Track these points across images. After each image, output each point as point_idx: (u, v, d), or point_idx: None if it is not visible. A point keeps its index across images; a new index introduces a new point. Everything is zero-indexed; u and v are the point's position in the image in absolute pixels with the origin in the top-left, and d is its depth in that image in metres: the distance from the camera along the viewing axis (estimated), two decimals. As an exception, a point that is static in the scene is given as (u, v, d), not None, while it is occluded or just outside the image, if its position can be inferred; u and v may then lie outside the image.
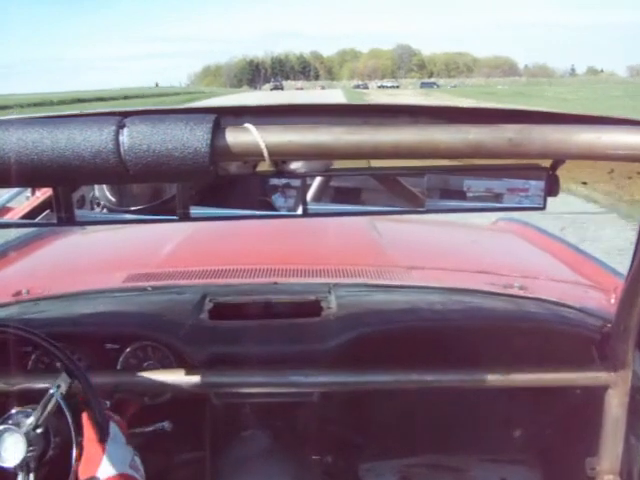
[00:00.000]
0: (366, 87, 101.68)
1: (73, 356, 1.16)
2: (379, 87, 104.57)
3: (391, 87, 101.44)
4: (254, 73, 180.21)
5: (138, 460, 1.12)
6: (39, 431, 1.15)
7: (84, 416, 1.08)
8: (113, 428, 1.09)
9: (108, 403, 1.15)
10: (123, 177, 0.69)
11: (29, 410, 1.20)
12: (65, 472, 1.13)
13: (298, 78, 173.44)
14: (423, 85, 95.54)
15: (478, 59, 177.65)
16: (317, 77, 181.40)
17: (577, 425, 1.53)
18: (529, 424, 1.65)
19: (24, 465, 1.13)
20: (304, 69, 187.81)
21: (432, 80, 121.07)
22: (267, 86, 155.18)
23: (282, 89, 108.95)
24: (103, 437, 1.06)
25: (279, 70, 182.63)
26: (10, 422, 1.15)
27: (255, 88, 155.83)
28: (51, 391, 1.12)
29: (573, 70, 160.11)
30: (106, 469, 1.04)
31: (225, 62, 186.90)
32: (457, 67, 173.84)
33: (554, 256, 2.15)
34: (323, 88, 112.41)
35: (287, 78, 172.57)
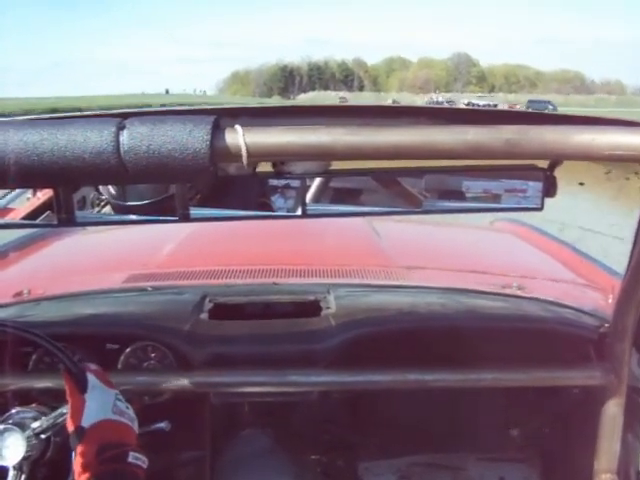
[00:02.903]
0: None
1: (74, 356, 1.17)
2: (467, 105, 71.11)
3: (485, 106, 66.30)
4: (287, 81, 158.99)
5: (122, 404, 1.11)
6: (41, 437, 1.17)
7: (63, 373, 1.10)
8: (90, 378, 1.10)
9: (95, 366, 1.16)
10: (123, 178, 0.69)
11: (30, 410, 1.21)
12: (64, 472, 1.13)
13: (339, 88, 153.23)
14: (532, 104, 61.79)
15: (542, 72, 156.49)
16: (361, 88, 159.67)
17: (575, 424, 1.54)
18: (527, 423, 1.66)
19: (20, 466, 1.14)
20: (346, 78, 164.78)
21: (543, 98, 77.34)
22: (302, 97, 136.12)
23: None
24: (81, 389, 1.08)
25: (317, 78, 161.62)
26: (11, 422, 1.16)
27: (289, 98, 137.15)
28: (64, 411, 1.14)
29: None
30: (88, 418, 1.05)
31: (255, 68, 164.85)
32: (518, 81, 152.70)
33: (552, 256, 2.16)
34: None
35: (326, 88, 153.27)
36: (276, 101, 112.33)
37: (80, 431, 1.04)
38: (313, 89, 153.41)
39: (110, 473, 1.02)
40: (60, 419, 1.17)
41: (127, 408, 1.12)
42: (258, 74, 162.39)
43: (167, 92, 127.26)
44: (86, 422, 1.05)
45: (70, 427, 1.05)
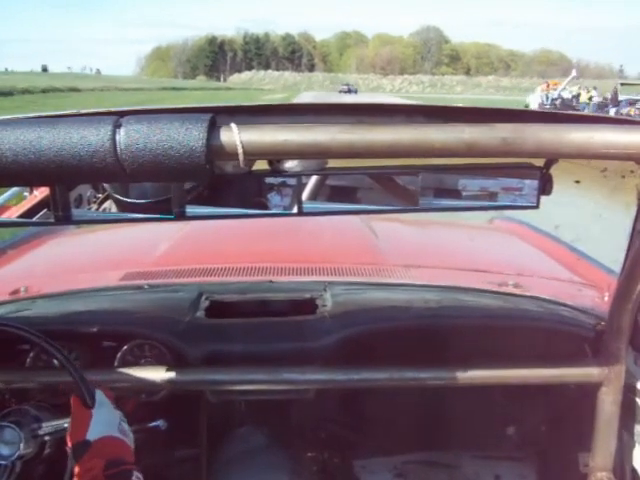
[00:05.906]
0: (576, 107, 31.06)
1: (70, 354, 1.17)
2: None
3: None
4: (217, 57, 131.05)
5: (126, 425, 1.13)
6: (38, 439, 1.17)
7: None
8: (99, 395, 1.11)
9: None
10: (120, 176, 0.69)
11: (29, 409, 1.21)
12: (61, 469, 1.14)
13: (284, 67, 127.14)
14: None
15: (517, 53, 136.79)
16: (312, 67, 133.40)
17: (571, 422, 1.54)
18: (523, 421, 1.66)
19: (14, 464, 1.14)
20: (292, 54, 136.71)
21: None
22: (235, 77, 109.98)
23: (356, 92, 73.47)
24: (89, 403, 1.08)
25: (255, 54, 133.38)
26: (10, 419, 1.16)
27: (218, 79, 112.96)
28: (65, 425, 1.14)
29: (622, 72, 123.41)
30: (95, 432, 1.06)
31: (179, 42, 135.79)
32: (491, 62, 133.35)
33: (549, 254, 2.17)
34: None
35: (267, 67, 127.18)
36: (200, 83, 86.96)
37: (85, 444, 1.05)
38: (250, 68, 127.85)
39: None
40: (60, 430, 1.17)
41: (129, 430, 1.14)
42: (181, 49, 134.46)
43: (45, 70, 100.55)
44: (92, 436, 1.06)
45: (72, 439, 1.06)
